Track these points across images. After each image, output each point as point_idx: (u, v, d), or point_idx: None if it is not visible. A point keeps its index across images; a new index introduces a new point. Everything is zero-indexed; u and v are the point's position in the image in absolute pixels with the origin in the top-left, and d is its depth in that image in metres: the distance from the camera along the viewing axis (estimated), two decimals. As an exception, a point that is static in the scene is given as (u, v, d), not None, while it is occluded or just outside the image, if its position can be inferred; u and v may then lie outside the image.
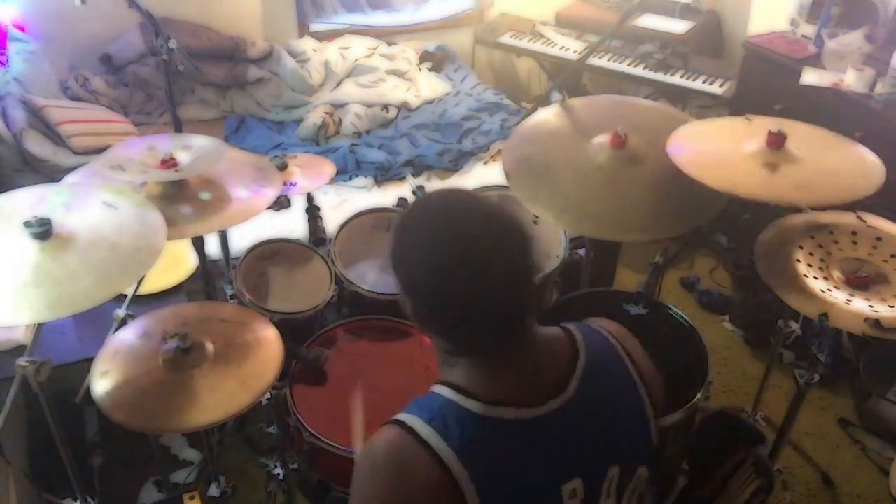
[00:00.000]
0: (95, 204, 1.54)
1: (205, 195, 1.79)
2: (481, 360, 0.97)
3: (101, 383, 1.51)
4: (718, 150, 1.79)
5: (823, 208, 1.88)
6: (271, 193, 1.86)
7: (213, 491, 1.90)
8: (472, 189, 1.00)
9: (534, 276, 0.97)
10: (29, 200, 1.53)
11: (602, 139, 1.87)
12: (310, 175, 2.20)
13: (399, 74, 3.89)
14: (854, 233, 1.81)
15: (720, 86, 3.30)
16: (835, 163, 1.75)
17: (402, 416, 0.97)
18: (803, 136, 1.78)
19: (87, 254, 1.41)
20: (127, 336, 1.65)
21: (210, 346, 1.59)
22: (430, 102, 3.79)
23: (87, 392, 1.52)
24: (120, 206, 1.55)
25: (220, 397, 1.51)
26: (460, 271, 0.91)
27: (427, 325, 1.01)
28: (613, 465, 0.98)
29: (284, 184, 2.12)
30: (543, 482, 0.93)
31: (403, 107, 3.73)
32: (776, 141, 1.70)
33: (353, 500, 0.94)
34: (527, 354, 0.97)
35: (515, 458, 0.92)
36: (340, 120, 3.56)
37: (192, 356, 1.56)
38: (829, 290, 1.67)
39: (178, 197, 1.76)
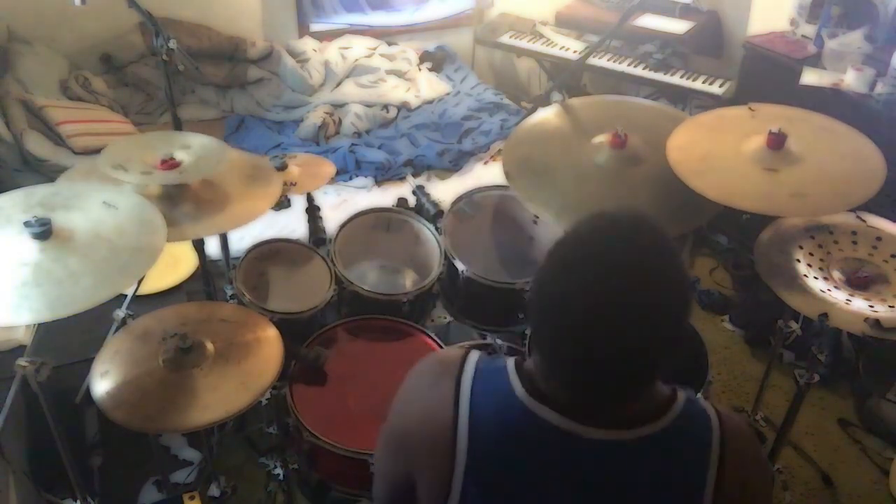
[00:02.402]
0: (95, 203, 1.54)
1: (205, 195, 1.79)
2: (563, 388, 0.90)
3: (102, 383, 1.51)
4: (719, 152, 1.78)
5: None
6: (271, 196, 1.85)
7: (213, 491, 1.90)
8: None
9: (674, 338, 0.85)
10: (28, 200, 1.52)
11: (602, 139, 1.87)
12: (310, 175, 2.20)
13: (399, 74, 3.89)
14: (854, 233, 1.81)
15: (720, 86, 3.30)
16: (836, 160, 1.74)
17: (473, 353, 0.96)
18: (804, 127, 1.77)
19: (86, 254, 1.41)
20: (127, 336, 1.65)
21: (210, 346, 1.59)
22: (430, 102, 3.79)
23: (87, 392, 1.52)
24: (120, 205, 1.55)
25: (220, 397, 1.51)
26: (593, 310, 0.82)
27: (537, 336, 0.91)
28: None
29: (285, 184, 2.12)
30: (546, 492, 0.88)
31: (403, 107, 3.73)
32: (776, 141, 1.70)
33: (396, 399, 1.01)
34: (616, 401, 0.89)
35: (529, 458, 0.88)
36: (340, 120, 3.56)
37: (192, 356, 1.56)
38: (829, 290, 1.67)
39: (179, 197, 1.76)
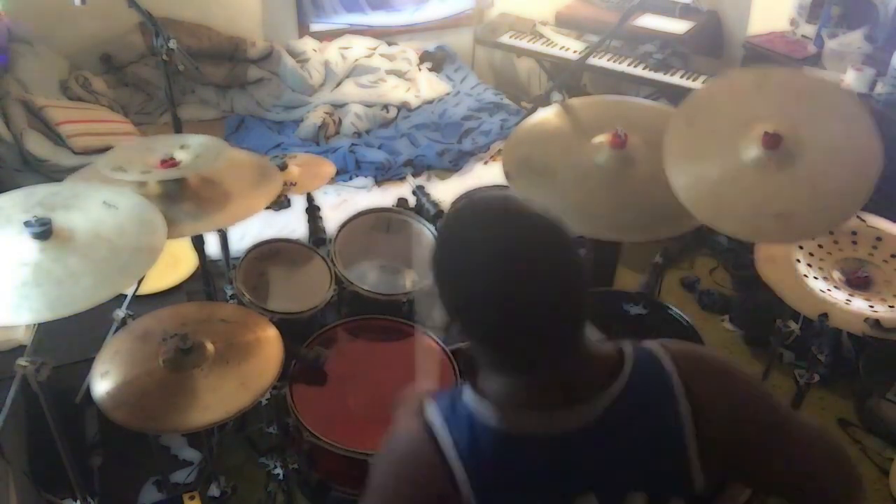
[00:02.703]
0: (95, 203, 1.54)
1: (205, 194, 1.79)
2: (518, 374, 0.93)
3: (102, 383, 1.51)
4: (714, 153, 1.74)
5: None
6: (271, 193, 1.86)
7: (213, 491, 1.90)
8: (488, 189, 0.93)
9: (579, 283, 0.90)
10: (28, 200, 1.52)
11: (602, 139, 1.87)
12: (310, 175, 2.21)
13: (399, 74, 3.89)
14: (854, 233, 1.81)
15: (720, 86, 3.30)
16: (836, 152, 1.68)
17: (428, 410, 0.95)
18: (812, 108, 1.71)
19: (87, 254, 1.41)
20: (127, 336, 1.65)
21: (210, 346, 1.59)
22: (430, 102, 3.79)
23: (87, 392, 1.52)
24: (120, 205, 1.55)
25: (220, 397, 1.51)
26: (501, 283, 0.86)
27: (465, 333, 0.93)
28: (637, 492, 0.92)
29: (285, 184, 2.12)
30: (554, 494, 0.91)
31: (403, 107, 3.73)
32: (772, 142, 1.68)
33: (371, 479, 1.01)
34: (566, 365, 0.92)
35: (527, 471, 0.90)
36: (340, 120, 3.56)
37: (192, 356, 1.56)
38: (829, 290, 1.67)
39: (178, 196, 1.76)
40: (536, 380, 0.92)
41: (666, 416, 0.92)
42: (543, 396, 0.91)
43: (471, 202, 0.94)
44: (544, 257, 0.87)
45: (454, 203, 0.99)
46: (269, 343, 1.65)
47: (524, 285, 0.85)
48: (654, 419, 0.93)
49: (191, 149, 1.80)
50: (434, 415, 0.94)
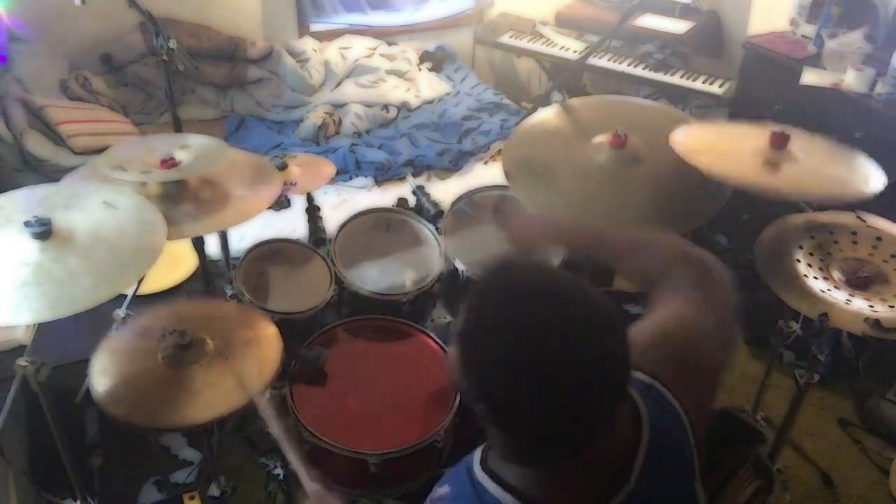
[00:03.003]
0: (95, 203, 1.54)
1: (205, 195, 1.79)
2: (548, 470, 0.87)
3: (101, 381, 1.51)
4: (722, 142, 1.78)
5: (822, 208, 1.88)
6: (271, 193, 1.86)
7: (213, 491, 1.90)
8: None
9: (624, 376, 0.84)
10: (28, 200, 1.52)
11: (602, 139, 1.87)
12: (310, 175, 2.20)
13: (399, 74, 3.89)
14: (854, 233, 1.81)
15: (720, 86, 3.30)
16: (835, 167, 1.74)
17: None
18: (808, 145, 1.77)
19: (87, 254, 1.41)
20: (126, 334, 1.65)
21: (209, 343, 1.59)
22: (430, 102, 3.79)
23: (87, 392, 1.52)
24: (120, 205, 1.55)
25: (219, 394, 1.50)
26: (551, 371, 0.78)
27: (490, 421, 0.86)
28: None
29: (285, 184, 2.12)
30: None
31: (403, 107, 3.73)
32: (779, 141, 1.69)
33: None
34: (592, 452, 0.86)
35: None
36: (340, 120, 3.56)
37: (191, 353, 1.56)
38: (829, 290, 1.67)
39: (179, 197, 1.77)
40: (559, 468, 0.86)
41: (683, 445, 0.93)
42: (567, 482, 0.86)
43: (507, 280, 0.85)
44: (597, 341, 0.80)
45: (486, 270, 0.88)
46: (269, 340, 1.65)
47: (578, 373, 0.78)
48: (678, 459, 0.92)
49: (191, 149, 1.80)
50: None
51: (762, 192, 1.63)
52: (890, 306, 1.62)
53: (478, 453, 0.92)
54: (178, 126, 2.18)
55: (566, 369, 0.78)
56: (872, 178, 1.65)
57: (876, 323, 1.55)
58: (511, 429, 0.83)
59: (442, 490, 0.91)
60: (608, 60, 3.56)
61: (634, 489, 0.85)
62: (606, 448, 0.86)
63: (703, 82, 3.34)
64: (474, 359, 0.82)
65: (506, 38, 3.91)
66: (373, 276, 2.20)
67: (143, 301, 2.04)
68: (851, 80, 2.69)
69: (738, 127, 1.90)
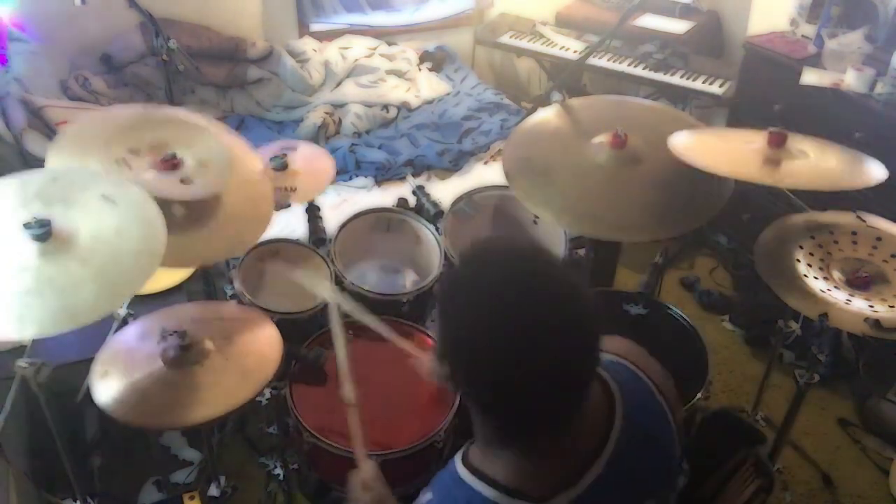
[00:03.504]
0: (93, 197, 1.51)
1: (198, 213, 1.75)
2: (527, 450, 0.88)
3: (102, 382, 1.51)
4: (720, 142, 1.78)
5: (823, 208, 1.88)
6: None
7: (213, 491, 1.90)
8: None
9: (594, 342, 0.86)
10: (25, 192, 1.49)
11: (602, 139, 1.87)
12: (310, 172, 2.20)
13: (399, 74, 3.89)
14: (854, 233, 1.81)
15: (720, 86, 3.30)
16: (835, 163, 1.74)
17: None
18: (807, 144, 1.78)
19: (88, 257, 1.40)
20: (127, 335, 1.65)
21: (210, 343, 1.59)
22: (430, 102, 3.79)
23: (87, 392, 1.52)
24: (119, 200, 1.53)
25: (220, 393, 1.51)
26: (522, 334, 0.81)
27: (469, 396, 0.88)
28: (649, 500, 0.94)
29: (284, 189, 2.12)
30: None
31: (403, 107, 3.73)
32: (777, 140, 1.69)
33: None
34: (569, 433, 0.88)
35: None
36: (340, 120, 3.56)
37: (191, 353, 1.56)
38: (829, 290, 1.67)
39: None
40: (537, 448, 0.87)
41: (658, 420, 0.95)
42: (557, 474, 0.87)
43: (488, 249, 0.89)
44: (568, 310, 0.82)
45: (467, 249, 0.92)
46: (269, 339, 1.65)
47: (548, 337, 0.80)
48: (653, 432, 0.94)
49: (192, 150, 1.79)
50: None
51: (763, 184, 1.63)
52: (890, 306, 1.62)
53: (459, 453, 0.94)
54: (178, 126, 2.18)
55: (535, 331, 0.80)
56: (873, 171, 1.65)
57: (876, 323, 1.55)
58: (486, 398, 0.85)
59: (425, 497, 0.92)
60: (608, 60, 3.56)
61: (609, 461, 0.88)
62: (582, 430, 0.89)
63: (703, 82, 3.34)
64: (452, 323, 0.85)
65: (506, 38, 3.91)
66: (373, 276, 2.20)
67: (143, 301, 2.04)
68: (851, 80, 2.69)
69: (737, 132, 1.90)
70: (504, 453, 0.88)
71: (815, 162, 1.70)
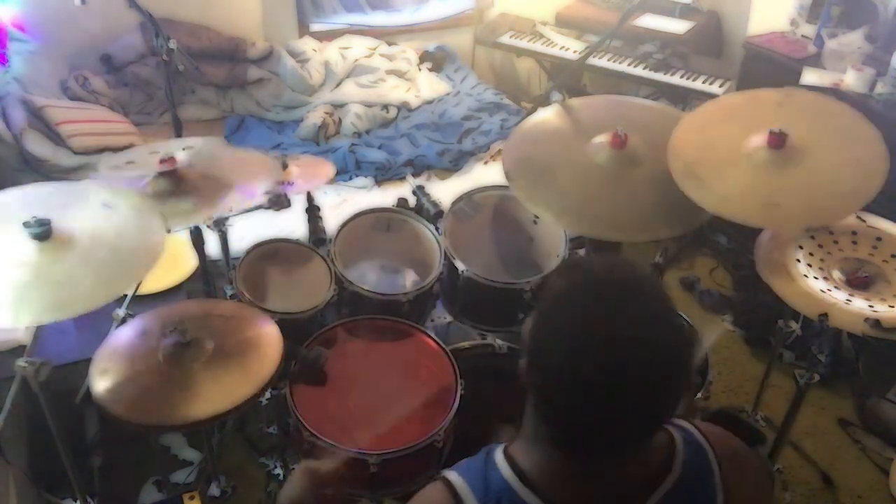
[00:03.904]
0: (94, 204, 1.54)
1: (206, 190, 1.78)
2: (564, 457, 0.87)
3: (101, 380, 1.51)
4: (720, 144, 1.77)
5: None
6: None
7: (214, 491, 1.90)
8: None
9: (682, 390, 0.84)
10: (26, 201, 1.52)
11: (602, 139, 1.87)
12: (310, 175, 2.20)
13: (399, 74, 3.89)
14: (854, 233, 1.81)
15: (720, 86, 3.30)
16: (838, 165, 1.72)
17: (454, 479, 0.89)
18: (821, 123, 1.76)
19: (87, 255, 1.41)
20: (127, 333, 1.65)
21: (210, 341, 1.59)
22: (430, 102, 3.79)
23: (88, 392, 1.52)
24: (119, 206, 1.55)
25: (219, 391, 1.51)
26: (611, 361, 0.79)
27: (535, 397, 0.88)
28: None
29: (283, 183, 2.12)
30: None
31: (403, 107, 3.73)
32: (777, 141, 1.69)
33: None
34: (615, 462, 0.86)
35: None
36: (340, 120, 3.56)
37: (191, 351, 1.56)
38: (829, 290, 1.67)
39: (178, 193, 1.76)
40: (591, 466, 0.86)
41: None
42: (592, 484, 0.86)
43: (593, 272, 0.87)
44: (661, 346, 0.81)
45: (561, 270, 0.94)
46: (269, 337, 1.65)
47: (634, 369, 0.79)
48: None
49: (190, 149, 1.80)
50: (462, 487, 0.88)
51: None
52: (890, 306, 1.62)
53: (503, 444, 0.93)
54: (178, 126, 2.18)
55: (630, 348, 0.79)
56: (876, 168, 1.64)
57: (876, 323, 1.55)
58: (554, 406, 0.84)
59: (452, 474, 0.91)
60: (608, 60, 3.56)
61: None
62: (625, 470, 0.87)
63: (703, 82, 3.34)
64: (544, 335, 0.84)
65: (506, 38, 3.91)
66: (373, 276, 2.20)
67: (143, 301, 2.05)
68: (851, 80, 2.69)
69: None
70: (545, 449, 0.88)
71: (817, 166, 1.69)
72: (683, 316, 1.86)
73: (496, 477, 0.87)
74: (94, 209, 1.53)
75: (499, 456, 0.90)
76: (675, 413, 0.85)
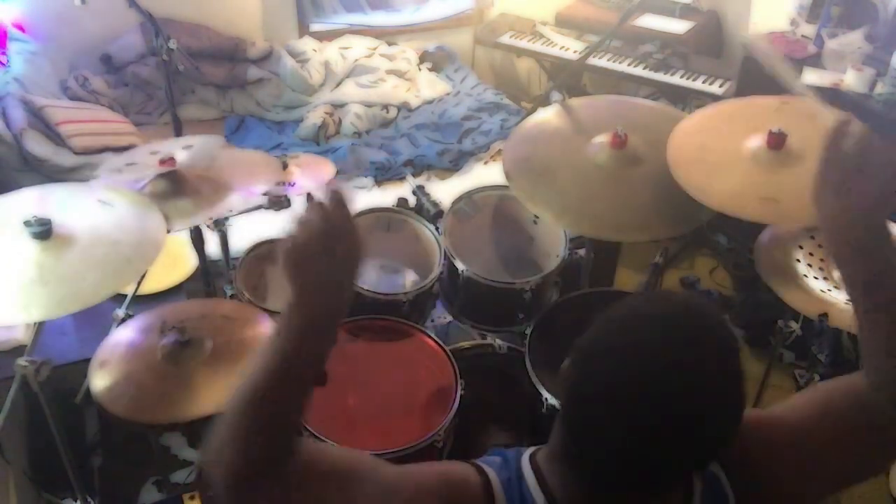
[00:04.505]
0: (91, 203, 1.54)
1: (205, 191, 1.79)
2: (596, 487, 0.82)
3: (101, 378, 1.51)
4: (718, 145, 1.77)
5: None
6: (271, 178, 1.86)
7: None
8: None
9: (731, 436, 0.79)
10: (25, 201, 1.52)
11: (602, 139, 1.87)
12: (310, 175, 2.21)
13: (399, 74, 3.89)
14: (854, 233, 1.80)
15: (720, 86, 3.30)
16: None
17: (492, 477, 0.85)
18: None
19: (89, 251, 1.41)
20: (126, 331, 1.65)
21: (209, 340, 1.60)
22: (430, 102, 3.79)
23: (87, 392, 1.52)
24: (115, 203, 1.55)
25: (219, 391, 1.51)
26: (658, 398, 0.74)
27: (566, 420, 0.83)
28: None
29: (284, 184, 2.12)
30: None
31: (403, 107, 3.73)
32: (776, 141, 1.69)
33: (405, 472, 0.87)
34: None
35: None
36: (340, 120, 3.56)
37: (190, 350, 1.56)
38: (829, 290, 1.67)
39: (177, 193, 1.76)
40: (602, 490, 0.82)
41: None
42: None
43: (654, 304, 0.83)
44: (713, 388, 0.76)
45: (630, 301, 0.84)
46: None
47: (681, 412, 0.74)
48: None
49: (191, 149, 1.81)
50: (499, 491, 0.84)
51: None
52: (890, 306, 1.62)
53: (529, 448, 0.90)
54: (178, 126, 2.18)
55: (658, 417, 0.74)
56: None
57: (876, 323, 1.55)
58: (576, 427, 0.80)
59: (490, 471, 0.87)
60: (608, 60, 3.56)
61: None
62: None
63: (703, 82, 3.34)
64: (592, 363, 0.79)
65: (506, 38, 3.91)
66: (373, 276, 2.20)
67: (143, 301, 2.04)
68: (851, 80, 2.69)
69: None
70: (567, 472, 0.84)
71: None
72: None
73: (523, 488, 0.84)
74: (91, 207, 1.53)
75: (527, 468, 0.86)
76: (717, 457, 0.81)
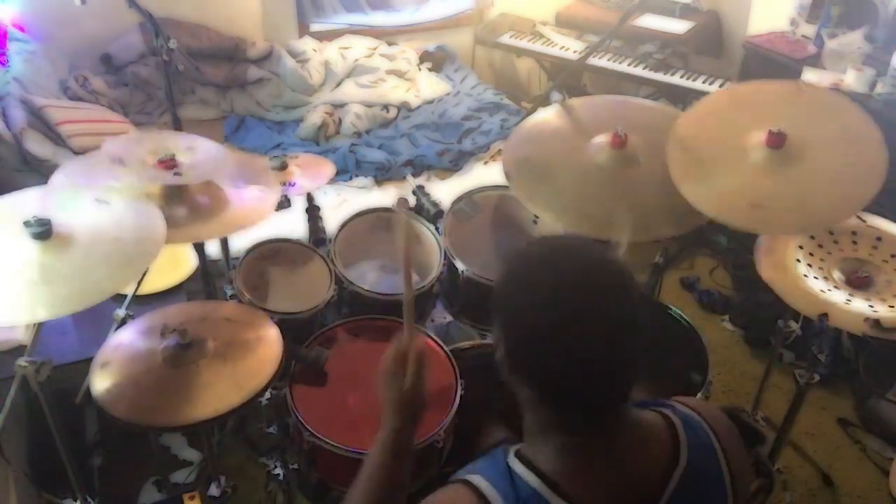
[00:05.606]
0: (88, 202, 1.54)
1: (202, 199, 1.79)
2: (574, 442, 0.89)
3: (101, 380, 1.51)
4: (719, 141, 1.77)
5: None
6: (271, 199, 1.86)
7: (213, 491, 1.90)
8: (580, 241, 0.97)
9: (639, 337, 0.89)
10: (24, 202, 1.52)
11: (602, 139, 1.87)
12: (310, 175, 2.20)
13: (399, 74, 3.89)
14: (854, 233, 1.81)
15: (720, 86, 3.30)
16: (836, 168, 1.71)
17: (480, 484, 0.89)
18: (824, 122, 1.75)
19: (90, 250, 1.41)
20: (127, 333, 1.65)
21: (210, 342, 1.59)
22: (430, 102, 3.79)
23: (88, 392, 1.52)
24: (112, 202, 1.55)
25: (219, 393, 1.51)
26: (564, 316, 0.85)
27: (520, 373, 0.92)
28: None
29: (284, 184, 2.12)
30: None
31: (403, 107, 3.73)
32: (776, 141, 1.69)
33: None
34: (622, 443, 0.89)
35: None
36: (340, 120, 3.56)
37: (191, 352, 1.56)
38: (829, 290, 1.67)
39: (175, 199, 1.76)
40: (594, 463, 0.88)
41: (716, 489, 0.94)
42: (592, 472, 0.88)
43: (542, 241, 0.95)
44: (616, 299, 0.86)
45: (520, 252, 0.97)
46: (270, 340, 1.65)
47: (595, 324, 0.84)
48: (707, 496, 0.93)
49: (194, 153, 1.80)
50: (487, 488, 0.88)
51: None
52: (890, 306, 1.62)
53: (513, 448, 0.95)
54: (178, 126, 2.18)
55: (589, 314, 0.84)
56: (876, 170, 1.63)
57: (876, 323, 1.55)
58: (533, 378, 0.89)
59: (475, 478, 0.91)
60: (608, 60, 3.56)
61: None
62: (637, 457, 0.89)
63: (703, 82, 3.34)
64: (506, 309, 0.93)
65: (506, 38, 3.91)
66: (373, 276, 2.20)
67: (143, 301, 2.04)
68: (851, 80, 2.69)
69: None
70: (551, 440, 0.90)
71: (817, 166, 1.68)
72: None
73: (523, 485, 0.88)
74: (88, 206, 1.53)
75: (514, 461, 0.91)
76: (639, 358, 0.89)
